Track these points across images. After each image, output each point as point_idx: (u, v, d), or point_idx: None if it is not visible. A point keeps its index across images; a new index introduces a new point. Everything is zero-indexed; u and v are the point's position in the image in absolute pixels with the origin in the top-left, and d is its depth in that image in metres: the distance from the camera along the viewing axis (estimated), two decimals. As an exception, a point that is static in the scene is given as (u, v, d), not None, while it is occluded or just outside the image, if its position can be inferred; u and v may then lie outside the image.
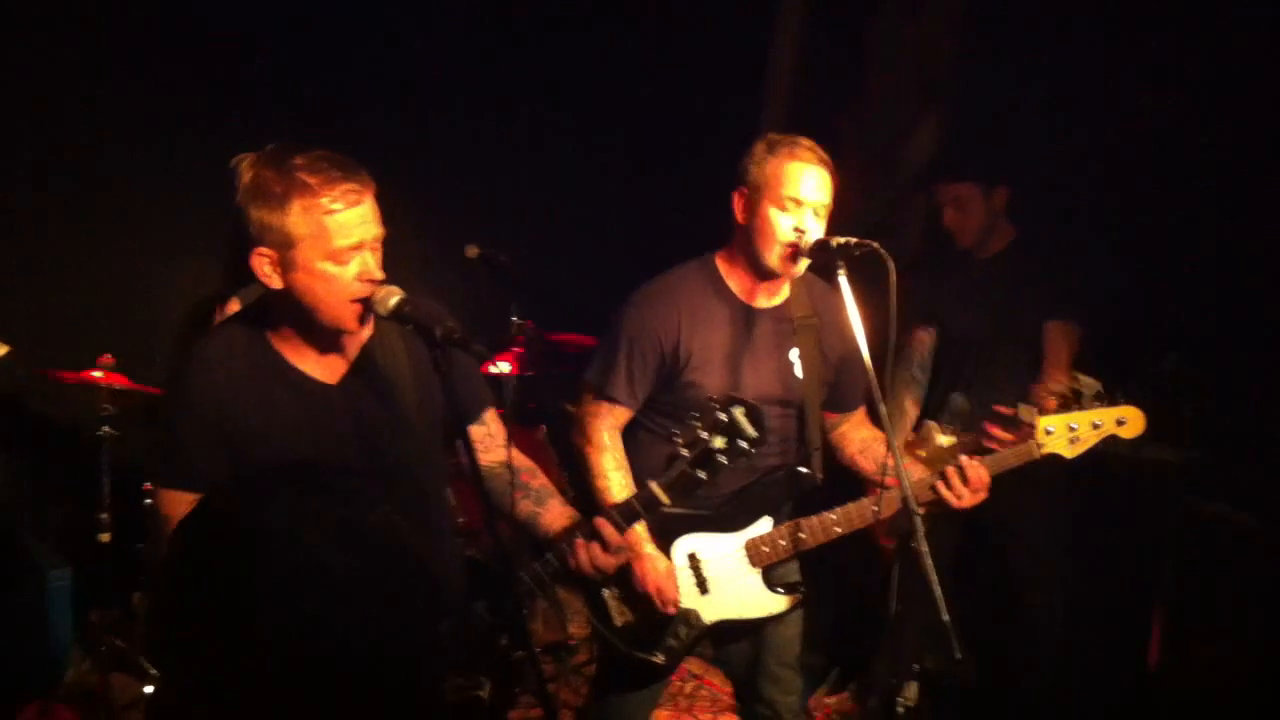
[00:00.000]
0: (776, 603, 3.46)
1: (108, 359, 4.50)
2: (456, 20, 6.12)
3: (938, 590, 2.86)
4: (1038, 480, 3.67)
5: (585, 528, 2.82)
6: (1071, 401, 3.39)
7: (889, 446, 3.04)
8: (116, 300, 5.25)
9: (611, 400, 3.39)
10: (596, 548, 2.79)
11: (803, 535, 3.38)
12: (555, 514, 2.97)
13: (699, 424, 2.74)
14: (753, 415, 2.72)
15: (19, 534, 4.96)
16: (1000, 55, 5.19)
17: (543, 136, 6.49)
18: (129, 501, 4.52)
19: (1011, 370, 3.96)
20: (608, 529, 2.79)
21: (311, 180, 2.47)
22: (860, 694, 4.90)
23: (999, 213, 4.39)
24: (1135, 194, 4.71)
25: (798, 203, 3.22)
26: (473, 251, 4.93)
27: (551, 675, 4.86)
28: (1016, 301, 4.27)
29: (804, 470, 3.44)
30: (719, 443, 2.71)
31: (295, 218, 2.47)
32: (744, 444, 2.72)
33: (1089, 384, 3.38)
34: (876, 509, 3.31)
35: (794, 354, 3.41)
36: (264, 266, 2.54)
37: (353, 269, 2.54)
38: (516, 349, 5.03)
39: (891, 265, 3.01)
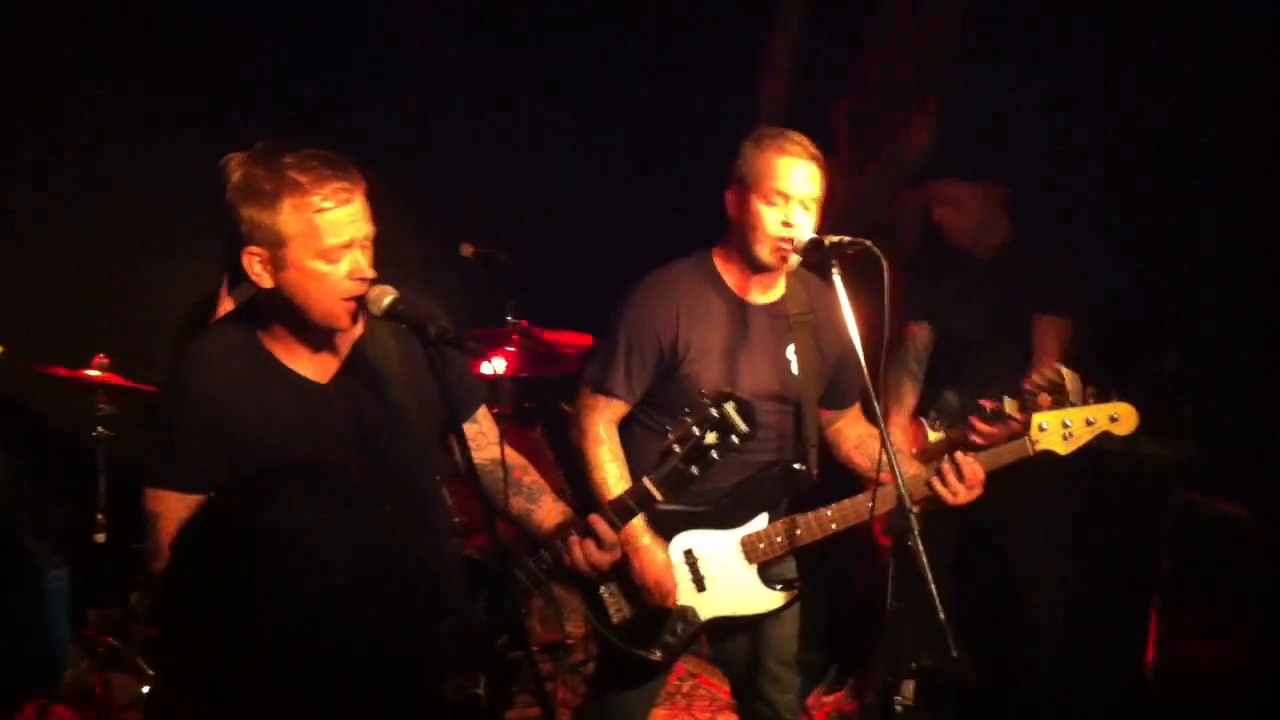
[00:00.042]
0: (773, 599, 3.47)
1: (103, 359, 4.49)
2: (456, 20, 6.12)
3: (934, 589, 2.86)
4: (1037, 480, 3.69)
5: (580, 525, 2.82)
6: (1055, 393, 3.39)
7: (883, 444, 3.05)
8: (114, 300, 5.25)
9: (609, 394, 3.40)
10: (591, 544, 2.80)
11: (799, 531, 3.39)
12: (547, 510, 2.97)
13: (690, 420, 2.74)
14: (744, 410, 2.73)
15: (17, 534, 4.95)
16: (999, 54, 5.18)
17: (542, 136, 6.50)
18: (126, 501, 4.51)
19: (1009, 369, 3.96)
20: (602, 526, 2.80)
21: (302, 179, 2.47)
22: (858, 692, 4.91)
23: (995, 211, 4.38)
24: (1134, 192, 4.71)
25: (785, 196, 3.24)
26: (468, 250, 4.92)
27: (549, 674, 4.86)
28: (1013, 299, 4.27)
29: (800, 467, 3.45)
30: (711, 438, 2.72)
31: (286, 216, 2.48)
32: (735, 439, 2.73)
33: (1071, 376, 3.39)
34: (872, 505, 3.32)
35: (791, 350, 3.42)
36: (255, 265, 2.54)
37: (344, 267, 2.54)
38: (512, 348, 5.02)
39: (886, 263, 3.02)
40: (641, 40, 6.41)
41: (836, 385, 3.55)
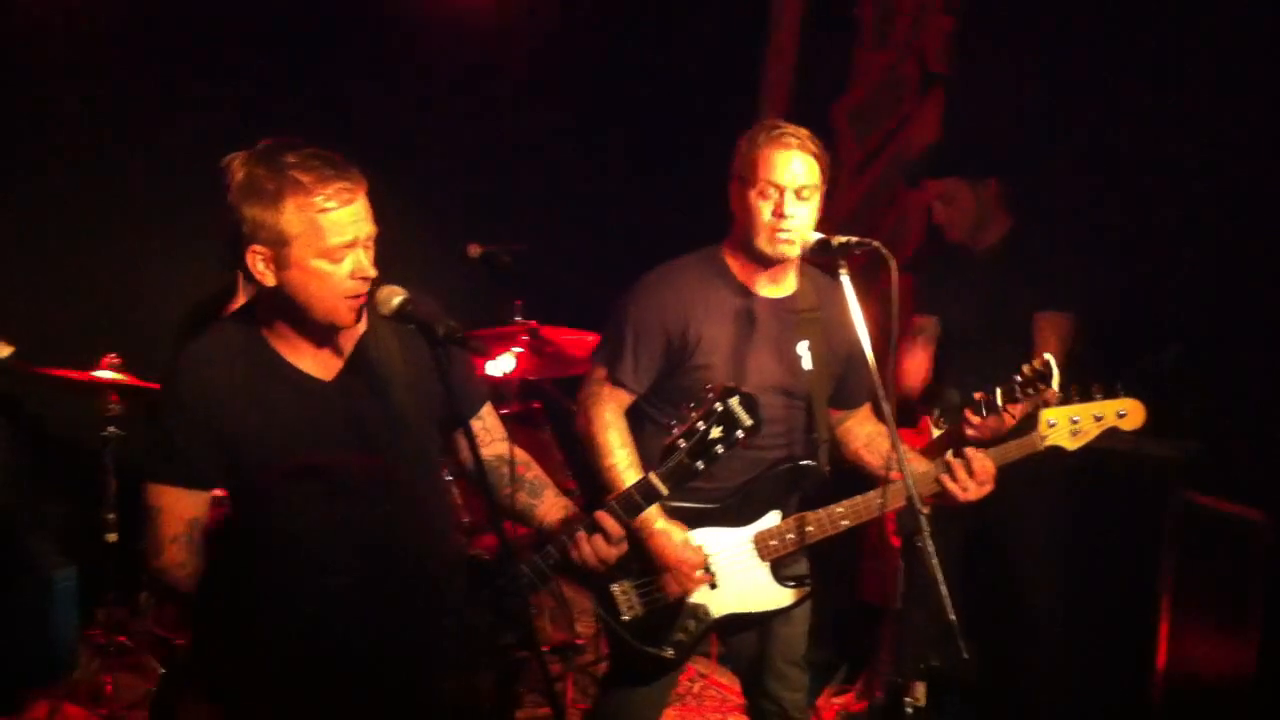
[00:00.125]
0: (785, 596, 3.47)
1: (113, 358, 4.50)
2: (456, 19, 6.12)
3: (944, 589, 2.85)
4: (1037, 479, 3.68)
5: (586, 521, 2.81)
6: (1041, 382, 3.39)
7: (892, 442, 3.05)
8: (122, 299, 5.26)
9: (616, 383, 3.40)
10: (599, 539, 2.80)
11: (810, 528, 3.39)
12: (550, 505, 2.97)
13: (695, 414, 2.74)
14: (748, 404, 2.73)
15: (25, 533, 4.97)
16: (998, 50, 5.19)
17: (550, 136, 6.49)
18: (136, 501, 4.52)
19: (1010, 366, 3.95)
20: (609, 521, 2.79)
21: (304, 179, 2.48)
22: (867, 692, 4.90)
23: (991, 206, 4.36)
24: (1134, 189, 4.70)
25: (777, 187, 3.24)
26: (475, 250, 4.93)
27: (558, 674, 4.86)
28: (1013, 296, 4.26)
29: (811, 463, 3.44)
30: (716, 433, 2.72)
31: (289, 216, 2.49)
32: (740, 433, 2.73)
33: (1056, 367, 3.38)
34: (883, 501, 3.32)
35: (802, 346, 3.42)
36: (258, 264, 2.55)
37: (346, 266, 2.55)
38: (520, 349, 5.02)
39: (894, 264, 3.03)
40: (644, 41, 6.41)
41: (846, 384, 3.55)
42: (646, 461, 3.28)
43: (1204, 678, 4.07)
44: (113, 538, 4.60)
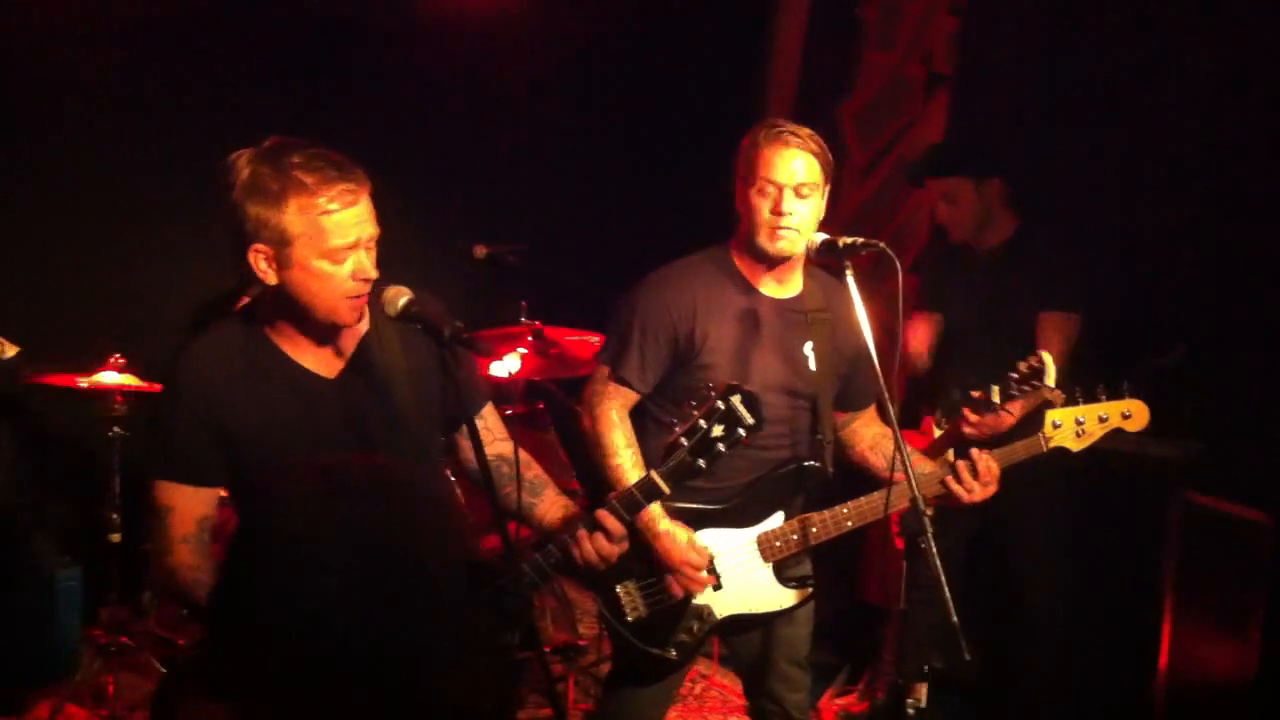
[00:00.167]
0: (788, 597, 3.47)
1: (119, 359, 4.51)
2: (460, 19, 6.12)
3: (947, 591, 2.86)
4: (1038, 479, 3.69)
5: (587, 519, 2.82)
6: (1035, 379, 3.40)
7: (896, 443, 3.05)
8: (126, 300, 5.26)
9: (621, 381, 3.40)
10: (600, 537, 2.80)
11: (814, 530, 3.39)
12: (550, 504, 2.99)
13: (697, 413, 2.75)
14: (750, 402, 2.73)
15: (29, 533, 4.97)
16: (1002, 50, 5.19)
17: (547, 136, 6.49)
18: (138, 501, 4.53)
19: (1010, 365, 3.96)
20: (610, 520, 2.80)
21: (308, 179, 2.49)
22: (869, 694, 4.90)
23: (996, 207, 4.37)
24: (1137, 189, 4.71)
25: (775, 185, 3.24)
26: (482, 251, 4.94)
27: (560, 675, 4.86)
28: (1016, 296, 4.26)
29: (815, 464, 3.45)
30: (718, 431, 2.73)
31: (291, 216, 2.50)
32: (742, 431, 2.74)
33: (1051, 363, 3.39)
34: (887, 502, 3.32)
35: (808, 347, 3.42)
36: (260, 262, 2.56)
37: (348, 267, 2.56)
38: (525, 349, 5.02)
39: (899, 265, 3.04)
40: (647, 41, 6.42)
41: (851, 385, 3.55)
42: (650, 461, 3.28)
43: (1205, 678, 4.07)
44: (116, 538, 4.62)
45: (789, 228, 3.24)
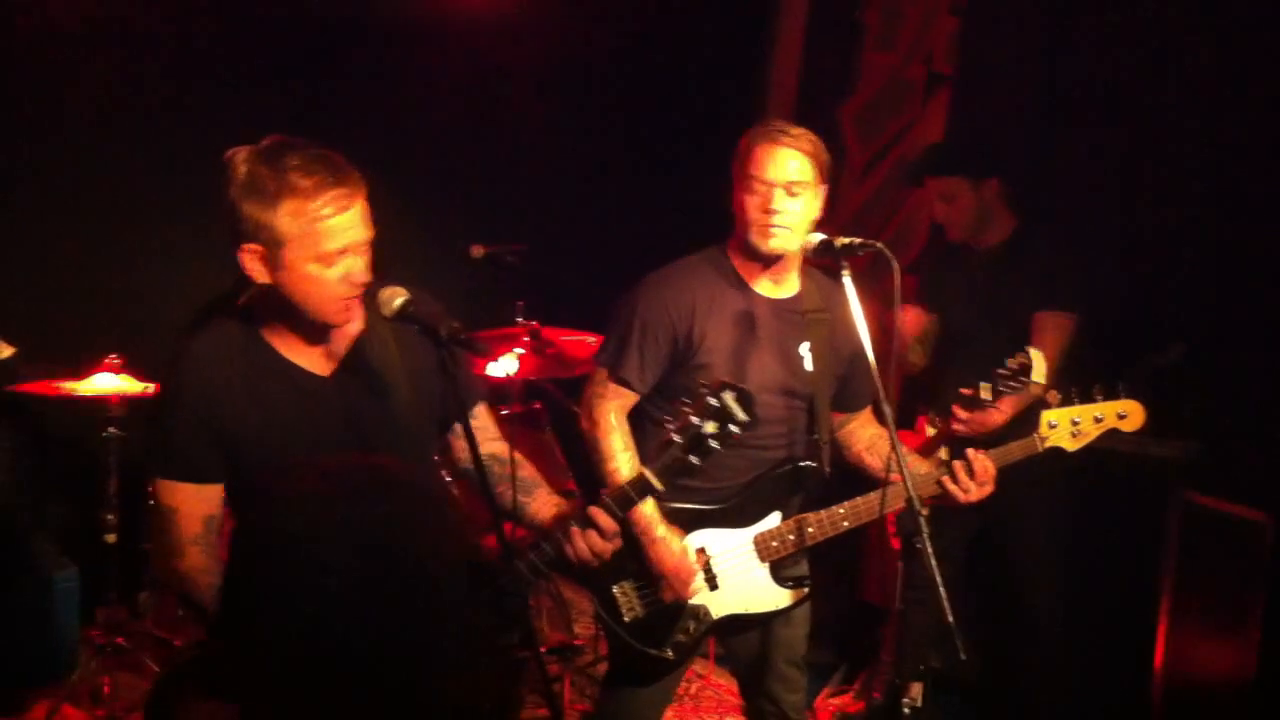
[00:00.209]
0: (785, 597, 3.47)
1: (114, 359, 4.51)
2: (459, 19, 6.12)
3: (942, 591, 2.86)
4: (1037, 479, 3.69)
5: (580, 516, 2.82)
6: (1023, 375, 3.40)
7: (892, 444, 3.05)
8: (123, 299, 5.25)
9: (621, 382, 3.40)
10: (593, 534, 2.80)
11: (811, 529, 3.39)
12: (543, 502, 2.99)
13: (690, 409, 2.75)
14: (743, 399, 2.74)
15: (26, 534, 4.97)
16: (1002, 51, 5.19)
17: (545, 137, 6.49)
18: (136, 502, 4.53)
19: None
20: (602, 517, 2.80)
21: (303, 184, 2.48)
22: (865, 693, 4.90)
23: (994, 206, 4.36)
24: (1135, 189, 4.71)
25: (765, 183, 3.25)
26: (479, 251, 4.93)
27: (556, 675, 4.86)
28: (1014, 295, 4.26)
29: (812, 464, 3.45)
30: (710, 427, 2.73)
31: (284, 219, 2.49)
32: (735, 428, 2.73)
33: (1039, 358, 3.39)
34: (882, 502, 3.32)
35: (805, 347, 3.42)
36: (253, 262, 2.55)
37: (338, 271, 2.56)
38: (522, 350, 5.02)
39: (896, 266, 3.04)
40: (647, 42, 6.42)
41: (848, 386, 3.55)
42: (647, 463, 3.28)
43: (1204, 678, 4.07)
44: (113, 539, 4.62)
45: (780, 226, 3.25)
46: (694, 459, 2.75)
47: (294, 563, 1.41)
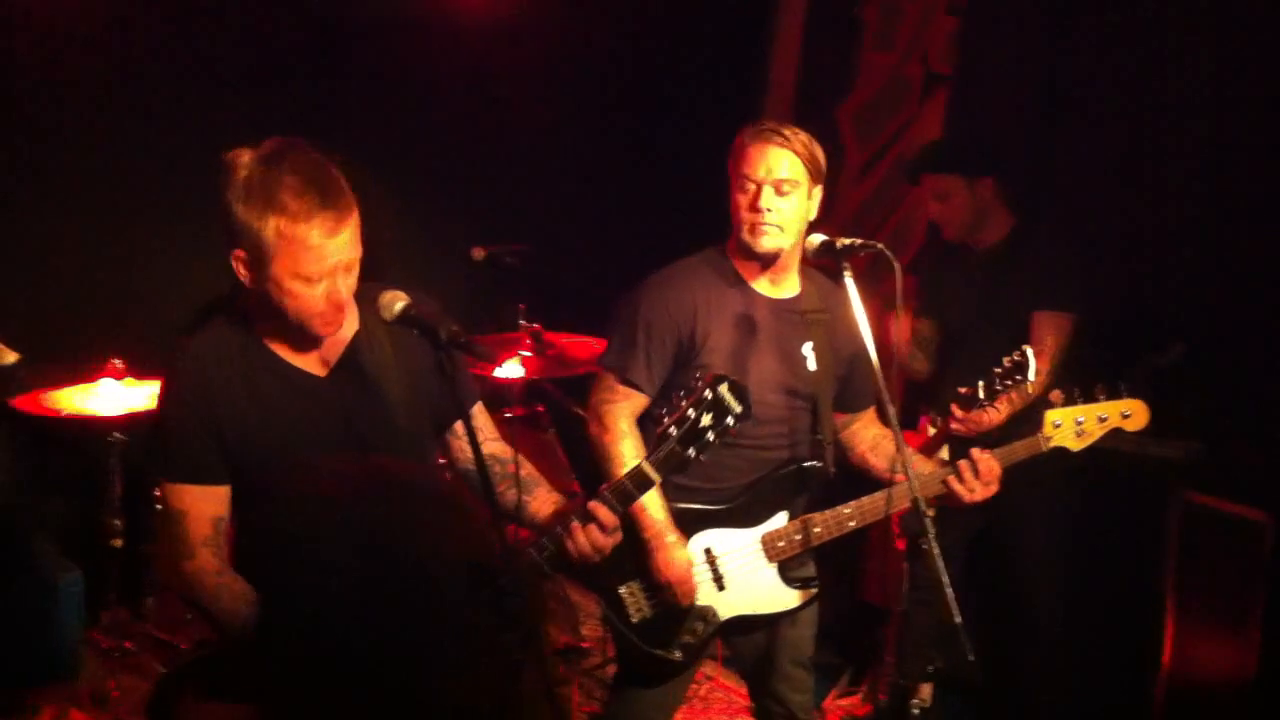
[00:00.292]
0: (792, 598, 3.47)
1: (117, 362, 4.51)
2: (459, 19, 6.12)
3: (949, 591, 2.86)
4: (1039, 479, 3.69)
5: (580, 511, 2.82)
6: (1018, 374, 3.40)
7: (897, 444, 3.05)
8: (124, 302, 5.25)
9: (630, 385, 3.39)
10: (594, 529, 2.80)
11: (818, 529, 3.39)
12: (542, 500, 2.99)
13: (686, 402, 2.75)
14: (738, 391, 2.74)
15: (30, 537, 4.96)
16: (1000, 50, 5.19)
17: (544, 138, 6.48)
18: (139, 505, 4.53)
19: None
20: (603, 511, 2.80)
21: (293, 205, 2.48)
22: (873, 695, 4.89)
23: (991, 205, 4.35)
24: (1136, 188, 4.71)
25: (754, 181, 3.26)
26: (480, 253, 4.92)
27: (563, 678, 4.85)
28: (1013, 295, 4.25)
29: (817, 464, 3.45)
30: (706, 420, 2.73)
31: (271, 235, 2.50)
32: (731, 420, 2.75)
33: (1035, 357, 3.39)
34: (888, 502, 3.33)
35: (807, 347, 3.42)
36: (241, 266, 2.57)
37: (320, 289, 2.56)
38: (525, 351, 5.02)
39: (897, 266, 3.04)
40: (648, 42, 6.42)
41: (850, 386, 3.55)
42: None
43: (1205, 678, 4.07)
44: (117, 542, 4.62)
45: (770, 224, 3.25)
46: (691, 452, 2.76)
47: (295, 563, 1.41)
